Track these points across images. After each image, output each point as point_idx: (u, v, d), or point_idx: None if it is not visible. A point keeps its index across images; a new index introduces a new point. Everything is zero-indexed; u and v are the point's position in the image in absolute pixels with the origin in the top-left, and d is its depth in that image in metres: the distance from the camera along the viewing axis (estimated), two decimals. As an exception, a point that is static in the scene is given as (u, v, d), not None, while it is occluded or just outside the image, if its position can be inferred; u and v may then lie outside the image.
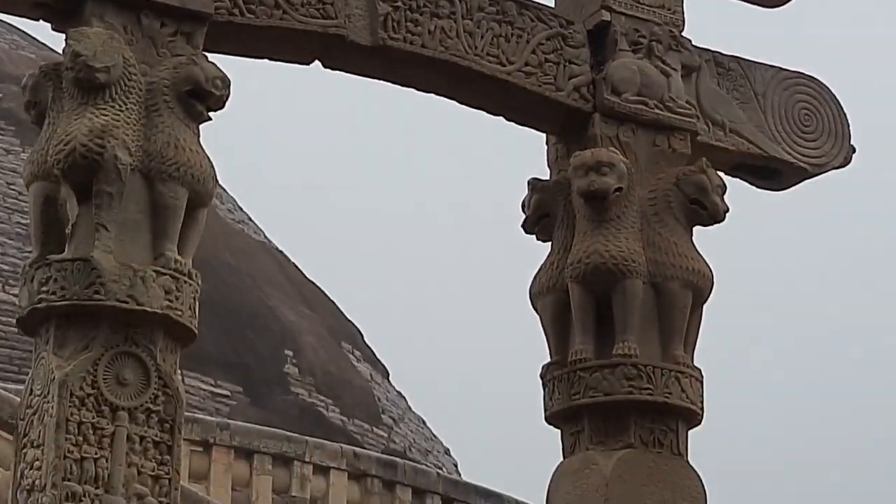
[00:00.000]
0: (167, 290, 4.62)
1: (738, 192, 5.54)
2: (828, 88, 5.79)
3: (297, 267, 23.96)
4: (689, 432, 5.32)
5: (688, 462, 5.24)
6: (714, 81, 5.62)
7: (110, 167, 4.55)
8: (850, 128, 5.77)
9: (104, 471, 4.52)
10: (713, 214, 5.33)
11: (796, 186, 5.83)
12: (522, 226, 5.49)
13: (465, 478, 20.69)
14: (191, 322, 4.71)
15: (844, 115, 5.79)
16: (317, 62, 5.24)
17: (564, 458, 5.29)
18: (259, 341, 20.04)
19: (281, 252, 24.02)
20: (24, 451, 4.61)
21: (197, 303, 4.75)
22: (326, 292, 24.12)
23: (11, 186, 18.98)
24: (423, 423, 23.60)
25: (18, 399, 5.19)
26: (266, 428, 17.28)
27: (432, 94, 5.41)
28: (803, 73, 5.83)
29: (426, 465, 20.49)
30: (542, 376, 5.39)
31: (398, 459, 19.05)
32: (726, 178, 5.45)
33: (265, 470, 16.56)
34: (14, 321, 5.18)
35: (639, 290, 5.20)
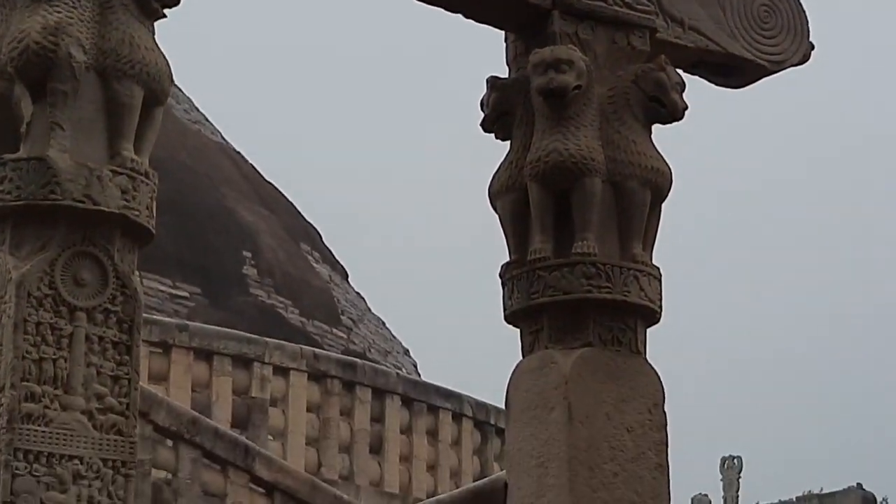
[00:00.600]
0: (124, 189, 4.61)
1: (696, 88, 5.56)
2: (786, -13, 5.83)
3: (254, 167, 23.92)
4: (648, 331, 5.35)
5: (646, 360, 5.29)
6: (673, -23, 5.63)
7: (64, 65, 4.55)
8: (809, 25, 5.82)
9: (63, 371, 4.54)
10: (672, 112, 5.35)
11: (753, 84, 5.87)
12: (481, 124, 5.49)
13: (424, 378, 20.80)
14: (148, 222, 4.71)
15: (803, 11, 5.81)
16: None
17: (524, 356, 5.32)
18: (217, 242, 20.03)
19: (238, 152, 23.97)
20: (-19, 351, 4.62)
21: (154, 203, 4.74)
22: (284, 193, 24.12)
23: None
24: (383, 323, 23.71)
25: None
26: (225, 329, 17.32)
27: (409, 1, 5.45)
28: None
29: (386, 365, 20.60)
30: (501, 276, 5.41)
31: (358, 360, 19.14)
32: (685, 76, 5.47)
33: (225, 371, 16.62)
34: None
35: (598, 188, 5.22)
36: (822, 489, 30.00)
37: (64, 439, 4.47)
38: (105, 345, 4.60)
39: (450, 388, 19.32)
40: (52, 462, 4.43)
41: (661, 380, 5.24)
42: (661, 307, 5.34)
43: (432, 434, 18.57)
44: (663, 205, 5.38)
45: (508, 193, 5.36)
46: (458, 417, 19.01)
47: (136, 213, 4.64)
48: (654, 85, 5.31)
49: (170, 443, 13.54)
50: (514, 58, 5.55)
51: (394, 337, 23.78)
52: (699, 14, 5.62)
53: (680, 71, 5.43)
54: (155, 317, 15.72)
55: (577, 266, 5.17)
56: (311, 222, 24.24)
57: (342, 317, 21.73)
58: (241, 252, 20.44)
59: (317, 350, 18.38)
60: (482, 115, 5.50)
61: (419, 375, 21.58)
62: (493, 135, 5.51)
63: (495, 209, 5.43)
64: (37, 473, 4.42)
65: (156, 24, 4.79)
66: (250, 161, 24.07)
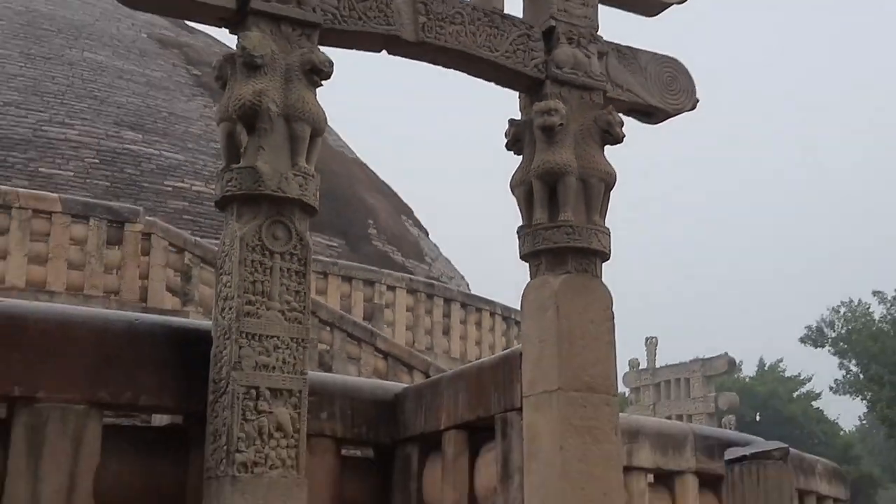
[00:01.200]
0: (300, 184, 4.64)
1: (629, 124, 5.57)
2: (682, 64, 5.83)
3: (374, 171, 23.99)
4: (603, 264, 5.35)
5: (602, 281, 5.28)
6: (616, 60, 5.63)
7: (265, 113, 4.58)
8: (696, 86, 5.84)
9: (267, 287, 4.57)
10: (616, 138, 5.35)
11: (664, 122, 5.89)
12: (505, 146, 5.52)
13: (473, 291, 20.83)
14: (314, 202, 4.73)
15: (691, 79, 5.83)
16: (384, 51, 5.25)
17: (531, 279, 5.32)
18: (353, 215, 20.07)
19: (364, 163, 24.03)
20: (221, 276, 4.68)
21: (317, 192, 4.77)
22: (391, 185, 24.20)
23: (211, 129, 18.99)
24: (449, 261, 23.76)
25: (217, 247, 5.22)
26: (358, 264, 17.38)
27: (452, 70, 5.47)
28: (668, 56, 5.84)
29: (451, 285, 20.66)
30: (517, 233, 5.42)
31: (435, 281, 19.17)
32: (624, 117, 5.47)
33: (358, 288, 16.67)
34: (213, 205, 5.24)
35: (573, 183, 5.23)
36: (703, 355, 29.72)
37: (267, 326, 4.54)
38: (290, 273, 4.64)
39: (487, 297, 19.37)
40: (261, 339, 4.50)
41: (611, 293, 5.24)
42: (610, 251, 5.33)
43: (478, 324, 18.60)
44: (611, 193, 5.38)
45: (521, 185, 5.36)
46: (493, 315, 19.03)
47: (308, 197, 4.68)
48: (606, 123, 5.31)
49: (328, 328, 13.64)
50: (524, 107, 5.56)
51: (455, 269, 23.82)
52: (631, 81, 5.62)
53: (620, 114, 5.43)
54: (318, 257, 15.78)
55: (561, 228, 5.18)
56: (407, 202, 24.29)
57: (425, 257, 21.76)
58: (367, 220, 20.47)
59: (411, 276, 18.44)
60: (506, 139, 5.53)
61: (469, 290, 21.61)
62: (512, 152, 5.52)
63: (513, 194, 5.44)
64: (252, 345, 4.49)
65: (317, 90, 4.82)
66: (371, 168, 24.12)
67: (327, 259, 17.05)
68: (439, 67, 5.40)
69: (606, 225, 5.33)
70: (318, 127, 4.75)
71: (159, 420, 6.18)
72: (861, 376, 22.53)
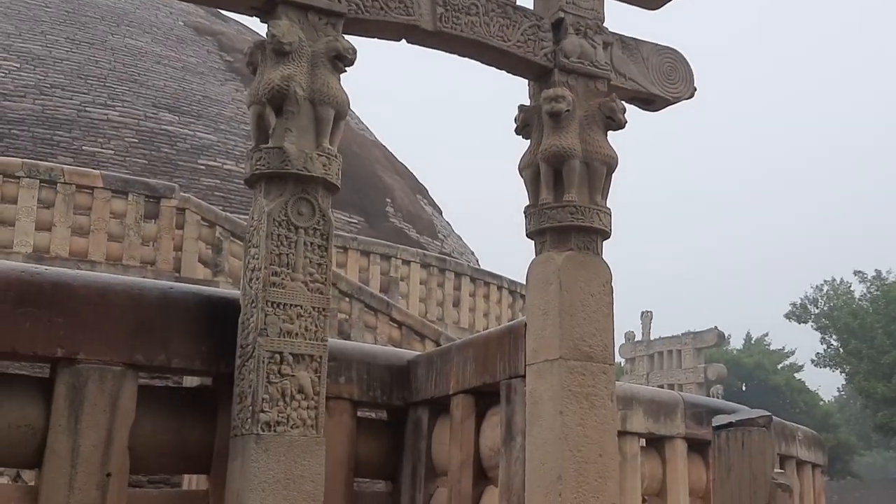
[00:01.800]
0: (323, 164, 4.61)
1: (631, 111, 5.52)
2: (682, 54, 5.77)
3: (391, 153, 23.93)
4: (604, 242, 5.31)
5: (602, 258, 5.25)
6: (620, 51, 5.56)
7: (292, 97, 4.54)
8: (694, 76, 5.79)
9: (291, 260, 4.55)
10: (619, 124, 5.30)
11: (664, 109, 5.84)
12: (515, 130, 5.48)
13: (482, 266, 20.82)
14: (336, 181, 4.71)
15: (690, 69, 5.77)
16: (403, 40, 5.21)
17: (536, 255, 5.30)
18: (372, 193, 20.05)
19: (383, 145, 23.97)
20: (249, 249, 4.67)
21: (340, 171, 4.75)
22: (407, 166, 24.14)
23: (241, 111, 18.95)
24: (460, 238, 23.74)
25: (245, 222, 5.19)
26: (376, 240, 17.37)
27: (467, 58, 5.43)
28: (669, 46, 5.77)
29: (462, 260, 20.64)
30: (524, 212, 5.39)
31: (447, 257, 19.16)
32: (626, 104, 5.43)
33: (376, 262, 16.67)
34: (242, 182, 5.22)
35: (577, 165, 5.18)
36: (694, 329, 29.69)
37: (292, 296, 4.53)
38: (313, 247, 4.62)
39: (495, 272, 19.36)
40: (286, 307, 4.50)
41: (610, 269, 5.22)
42: (610, 230, 5.29)
43: (486, 297, 18.59)
44: (613, 175, 5.34)
45: (529, 167, 5.33)
46: (500, 288, 19.01)
47: (331, 176, 4.66)
48: (609, 110, 5.26)
49: (347, 299, 13.65)
50: (533, 94, 5.50)
51: (466, 245, 23.80)
52: (634, 70, 5.57)
53: (623, 102, 5.38)
54: (339, 233, 15.78)
55: (566, 207, 5.14)
56: (422, 182, 24.24)
57: (438, 234, 21.74)
58: (385, 199, 20.45)
59: (425, 251, 18.42)
60: (515, 124, 5.49)
61: (479, 265, 21.60)
62: (521, 136, 5.48)
63: (521, 176, 5.40)
64: (277, 313, 4.49)
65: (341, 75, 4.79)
66: (389, 149, 24.05)
67: (347, 234, 17.06)
68: (455, 56, 5.35)
69: (608, 206, 5.31)
70: (342, 110, 4.72)
71: (190, 381, 6.20)
72: (841, 350, 22.48)
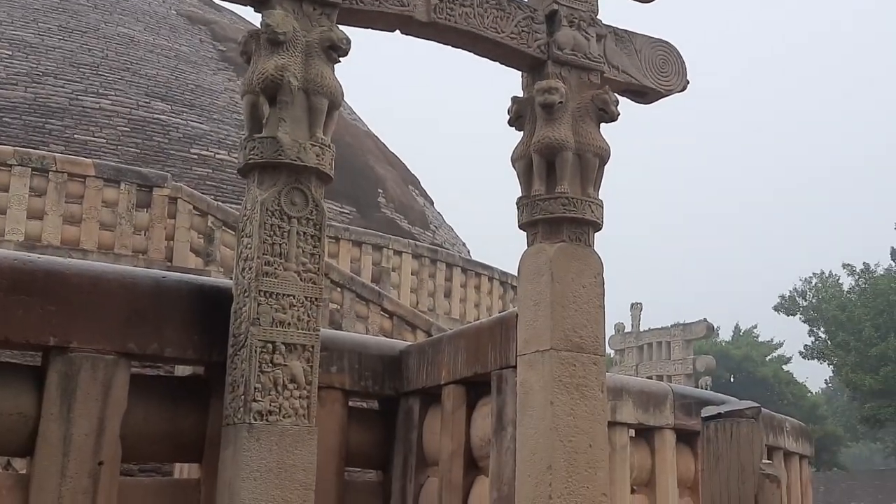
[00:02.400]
0: (317, 154, 4.59)
1: (624, 103, 5.52)
2: (675, 47, 5.76)
3: (384, 143, 23.88)
4: (596, 234, 5.32)
5: (594, 250, 5.24)
6: (613, 43, 5.55)
7: (286, 87, 4.52)
8: (686, 69, 5.79)
9: (284, 249, 4.54)
10: (612, 116, 5.29)
11: (656, 102, 5.84)
12: (508, 122, 5.47)
13: (473, 257, 20.83)
14: (330, 171, 4.69)
15: (683, 62, 5.76)
16: (397, 31, 5.20)
17: (528, 247, 5.29)
18: (364, 184, 20.02)
19: (376, 136, 23.92)
20: (242, 238, 4.65)
21: (333, 161, 4.73)
22: (400, 157, 24.10)
23: (234, 101, 18.89)
24: (451, 229, 23.73)
25: (237, 211, 5.18)
26: (368, 230, 17.35)
27: (461, 49, 5.42)
28: (662, 39, 5.76)
29: (453, 251, 20.64)
30: (516, 204, 5.37)
31: (438, 247, 19.16)
32: (619, 97, 5.42)
33: (367, 252, 16.65)
34: (235, 172, 5.20)
35: (570, 157, 5.17)
36: (684, 321, 29.75)
37: (284, 285, 4.52)
38: (306, 237, 4.61)
39: (486, 262, 19.37)
40: (278, 297, 4.48)
41: (602, 260, 5.22)
42: (602, 221, 5.29)
43: (477, 287, 18.60)
44: (605, 167, 5.34)
45: (522, 159, 5.32)
46: (491, 279, 19.03)
47: (324, 166, 4.65)
48: (602, 102, 5.25)
49: (339, 289, 13.65)
50: (526, 86, 5.49)
51: (458, 236, 23.79)
52: (626, 63, 5.56)
53: (616, 94, 5.38)
54: (331, 223, 15.76)
55: (558, 199, 5.14)
56: (414, 173, 24.21)
57: (430, 225, 21.72)
58: (377, 189, 20.42)
59: (416, 242, 18.42)
60: (508, 116, 5.48)
61: (470, 255, 21.60)
62: (514, 128, 5.47)
63: (514, 167, 5.40)
64: (270, 303, 4.48)
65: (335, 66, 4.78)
66: (382, 140, 24.01)
67: (339, 225, 17.05)
68: (448, 47, 5.34)
69: (600, 197, 5.31)
70: (335, 101, 4.71)
71: (182, 371, 6.19)
72: (829, 343, 22.57)
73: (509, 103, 5.49)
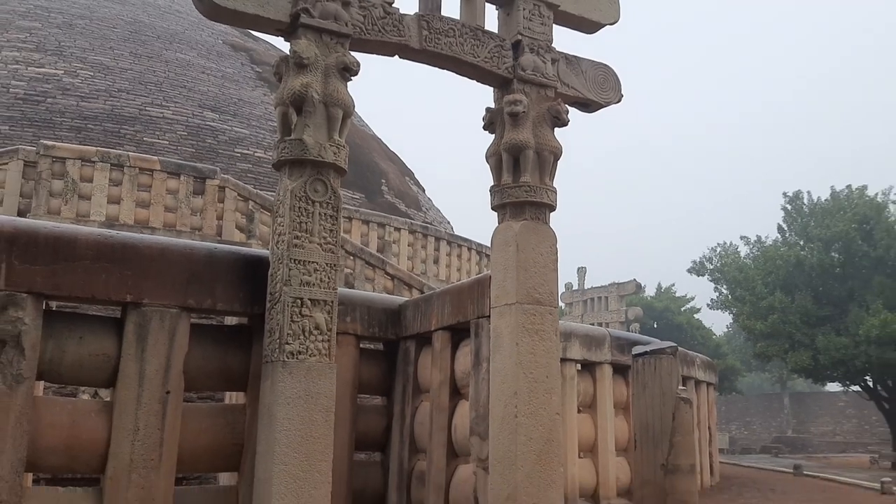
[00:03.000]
0: (334, 153, 4.54)
1: (573, 113, 5.47)
2: (612, 69, 5.69)
3: (385, 144, 23.73)
4: (551, 214, 5.30)
5: (549, 226, 5.23)
6: (565, 66, 5.49)
7: (310, 100, 4.48)
8: (621, 85, 5.73)
9: (309, 226, 4.50)
10: (563, 123, 5.24)
11: (598, 111, 5.79)
12: (483, 127, 5.42)
13: (457, 232, 20.80)
14: (344, 166, 4.64)
15: (619, 80, 5.70)
16: (396, 56, 5.13)
17: (498, 224, 5.28)
18: (370, 176, 19.92)
19: (379, 138, 23.76)
20: (276, 218, 4.59)
21: (347, 158, 4.70)
22: (398, 154, 23.96)
23: (268, 111, 18.70)
24: (439, 210, 23.65)
25: (272, 197, 5.13)
26: (374, 212, 17.29)
27: (446, 70, 5.35)
28: (602, 63, 5.70)
29: (440, 228, 20.60)
30: (489, 190, 5.35)
31: (429, 225, 19.12)
32: (569, 107, 5.38)
33: (373, 229, 16.59)
34: (270, 166, 5.15)
35: (531, 154, 5.13)
36: (618, 280, 29.79)
37: (309, 254, 4.49)
38: (326, 217, 4.58)
39: (466, 236, 19.35)
40: (305, 263, 4.46)
41: (555, 234, 5.20)
42: (556, 204, 5.26)
43: (459, 256, 18.59)
44: (558, 162, 5.31)
45: (494, 156, 5.28)
46: (470, 249, 19.02)
47: (339, 162, 4.61)
48: (556, 111, 5.21)
49: (351, 257, 13.60)
50: (497, 98, 5.44)
51: (444, 217, 23.73)
52: (575, 81, 5.51)
53: (567, 105, 5.34)
54: (345, 206, 15.70)
55: (522, 187, 5.12)
56: (410, 167, 24.08)
57: (422, 207, 21.65)
58: (380, 180, 20.32)
59: (411, 220, 18.37)
60: (483, 122, 5.44)
61: (453, 231, 21.57)
62: (487, 131, 5.43)
63: (488, 162, 5.36)
64: (298, 268, 4.46)
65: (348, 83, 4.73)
66: (384, 141, 23.86)
67: (352, 207, 16.98)
68: (436, 69, 5.28)
69: (554, 185, 5.31)
70: (348, 111, 4.67)
71: (230, 321, 6.18)
72: (729, 297, 22.68)
73: (484, 112, 5.48)
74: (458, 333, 5.61)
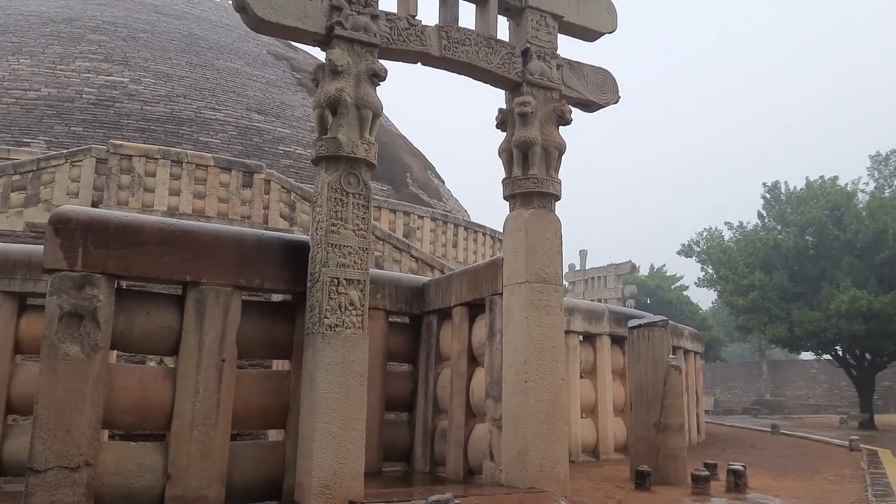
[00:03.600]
0: (365, 149, 4.54)
1: (575, 113, 5.42)
2: (610, 73, 5.62)
3: (409, 141, 23.66)
4: (556, 203, 5.27)
5: (556, 215, 5.22)
6: (568, 70, 5.44)
7: (343, 102, 4.47)
8: (619, 87, 5.66)
9: (344, 214, 4.52)
10: (567, 121, 5.21)
11: (599, 111, 5.73)
12: (496, 126, 5.40)
13: (473, 219, 20.73)
14: (374, 161, 4.64)
15: (616, 83, 5.64)
16: (419, 63, 5.10)
17: (510, 212, 5.27)
18: (396, 170, 19.88)
19: (404, 136, 23.69)
20: (315, 208, 4.62)
21: (376, 154, 4.69)
22: (421, 150, 23.88)
23: (307, 113, 18.69)
24: (457, 200, 23.58)
25: (311, 189, 5.13)
26: (400, 202, 17.26)
27: (463, 76, 5.31)
28: (602, 67, 5.64)
29: (458, 216, 20.55)
30: (502, 182, 5.33)
31: (449, 213, 19.07)
32: (572, 107, 5.33)
33: (399, 217, 16.59)
34: (310, 162, 5.15)
35: (538, 150, 5.11)
36: (615, 261, 29.60)
37: (344, 239, 4.50)
38: (358, 206, 4.59)
39: (481, 223, 19.29)
40: (340, 247, 4.47)
41: (560, 221, 5.18)
42: (560, 194, 5.24)
43: (475, 241, 18.52)
44: (563, 156, 5.27)
45: (505, 151, 5.26)
46: (485, 235, 18.92)
47: (370, 158, 4.61)
48: (560, 111, 5.17)
49: (381, 242, 13.64)
50: (508, 100, 5.41)
51: (462, 206, 23.65)
52: (577, 84, 5.46)
53: (570, 106, 5.29)
54: (375, 196, 15.66)
55: (530, 179, 5.10)
56: (432, 162, 24.00)
57: (442, 198, 21.57)
58: (405, 174, 20.27)
59: (433, 209, 18.34)
60: (496, 121, 5.41)
61: (470, 218, 21.50)
62: (500, 129, 5.40)
63: (500, 157, 5.34)
64: (335, 251, 4.47)
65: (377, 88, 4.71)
66: (408, 138, 23.78)
67: (381, 198, 16.96)
68: (454, 74, 5.25)
69: (559, 177, 5.28)
70: (377, 112, 4.66)
71: (276, 298, 6.23)
72: (714, 276, 22.50)
73: (497, 113, 5.46)
74: (475, 308, 5.62)
